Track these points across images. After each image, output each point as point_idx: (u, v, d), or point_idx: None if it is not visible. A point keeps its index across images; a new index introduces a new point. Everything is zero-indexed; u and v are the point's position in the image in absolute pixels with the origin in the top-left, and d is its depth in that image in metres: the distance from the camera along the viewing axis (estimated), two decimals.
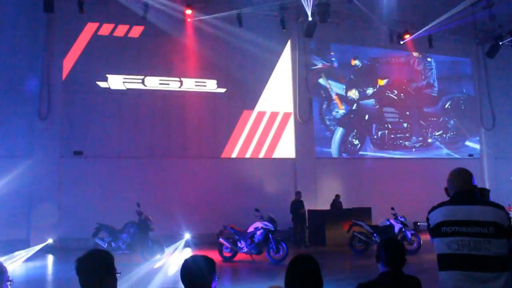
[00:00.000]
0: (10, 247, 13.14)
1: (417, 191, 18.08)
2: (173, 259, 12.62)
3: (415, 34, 19.71)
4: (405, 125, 20.67)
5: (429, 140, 21.05)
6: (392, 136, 20.37)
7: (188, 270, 2.79)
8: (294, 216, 15.75)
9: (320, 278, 2.94)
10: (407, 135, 20.68)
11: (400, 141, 20.47)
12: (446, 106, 21.64)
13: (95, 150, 16.30)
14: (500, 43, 20.33)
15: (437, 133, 21.24)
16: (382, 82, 20.59)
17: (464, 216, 3.09)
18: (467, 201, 3.18)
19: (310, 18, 17.25)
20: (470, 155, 21.54)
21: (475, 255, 2.99)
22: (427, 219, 3.30)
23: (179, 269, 2.81)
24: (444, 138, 21.36)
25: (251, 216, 12.65)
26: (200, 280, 2.76)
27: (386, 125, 20.34)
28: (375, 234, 13.60)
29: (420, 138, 20.89)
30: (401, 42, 20.10)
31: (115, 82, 16.93)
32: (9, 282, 2.91)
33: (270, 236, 12.15)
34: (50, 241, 14.26)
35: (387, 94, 20.61)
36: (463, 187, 3.25)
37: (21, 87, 15.85)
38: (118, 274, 2.76)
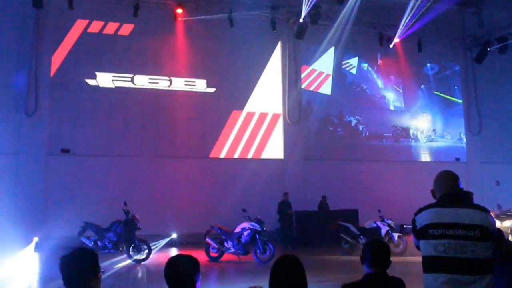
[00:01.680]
0: None
1: (403, 194, 18.17)
2: (159, 258, 12.58)
3: (403, 36, 19.78)
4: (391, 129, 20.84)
5: (415, 143, 21.24)
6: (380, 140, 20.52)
7: (172, 269, 2.80)
8: (282, 217, 15.76)
9: (304, 279, 2.94)
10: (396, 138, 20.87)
11: (388, 144, 20.63)
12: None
13: (83, 148, 16.17)
14: (488, 49, 20.56)
15: (423, 136, 21.44)
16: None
17: (451, 218, 3.09)
18: (454, 203, 3.18)
19: (301, 20, 17.29)
20: (457, 158, 21.74)
21: (460, 258, 3.00)
22: (413, 221, 3.28)
23: (163, 268, 2.82)
24: (431, 141, 21.56)
25: (238, 216, 12.65)
26: (184, 279, 2.77)
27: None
28: (361, 236, 13.67)
29: (407, 141, 21.07)
30: (390, 46, 20.21)
31: (104, 80, 16.83)
32: None
33: (257, 237, 12.16)
34: (36, 239, 14.10)
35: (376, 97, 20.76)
36: (450, 189, 3.25)
37: (8, 83, 15.65)
38: (102, 273, 2.77)
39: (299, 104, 19.11)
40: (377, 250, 3.27)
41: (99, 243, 12.37)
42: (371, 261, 3.23)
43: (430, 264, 3.11)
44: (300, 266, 2.97)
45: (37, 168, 15.53)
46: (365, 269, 3.31)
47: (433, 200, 3.37)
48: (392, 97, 21.25)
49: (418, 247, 3.30)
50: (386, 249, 3.36)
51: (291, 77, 19.02)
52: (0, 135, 15.14)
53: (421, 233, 3.18)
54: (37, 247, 13.95)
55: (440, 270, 3.05)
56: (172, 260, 2.85)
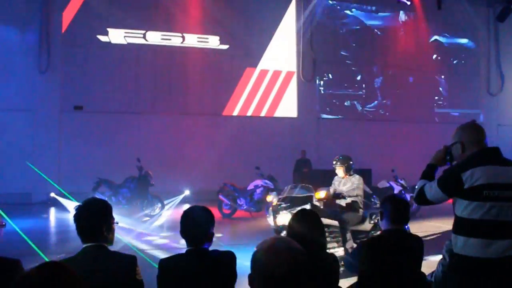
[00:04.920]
0: (12, 200, 13.25)
1: (417, 154, 17.91)
2: (172, 213, 12.72)
3: None
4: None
5: (431, 103, 20.87)
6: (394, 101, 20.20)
7: (189, 219, 2.83)
8: (297, 175, 15.78)
9: (323, 230, 2.92)
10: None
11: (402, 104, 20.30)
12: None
13: (96, 105, 16.15)
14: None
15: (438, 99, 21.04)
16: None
17: (507, 178, 2.82)
18: (502, 161, 2.90)
19: None
20: (473, 120, 21.29)
21: (509, 221, 2.77)
22: (456, 176, 2.88)
23: (178, 222, 2.86)
24: (446, 101, 21.16)
25: (251, 174, 12.64)
26: (199, 228, 2.81)
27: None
28: (374, 196, 13.60)
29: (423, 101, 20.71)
30: (408, 2, 19.59)
31: (116, 36, 16.63)
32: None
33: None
34: (52, 195, 14.27)
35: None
36: (484, 143, 3.01)
37: (20, 41, 15.56)
38: (116, 224, 2.80)
39: (313, 61, 18.76)
40: (397, 206, 3.20)
41: (113, 198, 12.49)
42: (391, 216, 3.16)
43: (478, 228, 2.79)
44: (318, 218, 2.93)
45: (51, 124, 15.61)
46: (384, 224, 3.24)
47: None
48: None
49: (431, 201, 2.98)
50: (405, 204, 3.29)
51: (306, 33, 18.60)
52: (14, 93, 15.19)
53: (470, 193, 2.82)
54: (53, 202, 14.15)
55: (490, 236, 2.77)
56: (188, 210, 2.89)
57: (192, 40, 17.49)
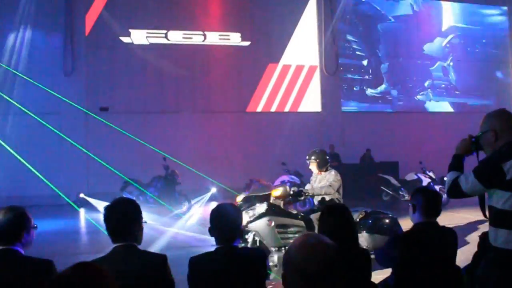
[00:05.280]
0: (41, 202, 13.52)
1: (444, 145, 17.57)
2: (199, 211, 12.77)
3: None
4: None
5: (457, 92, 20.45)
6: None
7: (219, 217, 2.84)
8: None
9: (354, 225, 2.88)
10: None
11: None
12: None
13: (121, 105, 16.35)
14: None
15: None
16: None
17: None
18: None
19: None
20: (503, 108, 20.70)
21: None
22: (497, 166, 2.72)
23: (206, 219, 2.91)
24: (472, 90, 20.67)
25: (278, 169, 12.60)
26: (229, 226, 2.82)
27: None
28: (402, 189, 13.45)
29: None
30: None
31: (138, 37, 16.78)
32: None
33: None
34: (81, 195, 14.49)
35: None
36: None
37: (46, 45, 15.87)
38: (144, 223, 2.81)
39: (336, 54, 18.58)
40: (430, 198, 3.11)
41: (140, 198, 12.64)
42: (424, 210, 3.07)
43: None
44: (349, 213, 2.89)
45: (78, 126, 15.87)
46: (416, 217, 3.15)
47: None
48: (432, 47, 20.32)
49: (466, 194, 2.82)
50: (438, 197, 3.20)
51: (327, 27, 18.43)
52: (41, 96, 15.45)
53: None
54: (82, 203, 14.35)
55: None
56: (218, 208, 2.91)
57: (213, 37, 17.52)
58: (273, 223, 5.72)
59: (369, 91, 19.24)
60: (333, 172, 6.54)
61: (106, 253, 2.71)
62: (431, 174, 13.36)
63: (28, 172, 14.59)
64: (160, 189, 12.65)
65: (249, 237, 5.88)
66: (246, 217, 5.54)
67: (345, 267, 1.60)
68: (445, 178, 3.00)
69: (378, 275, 3.83)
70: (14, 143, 14.55)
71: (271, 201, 6.10)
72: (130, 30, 16.64)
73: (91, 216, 12.47)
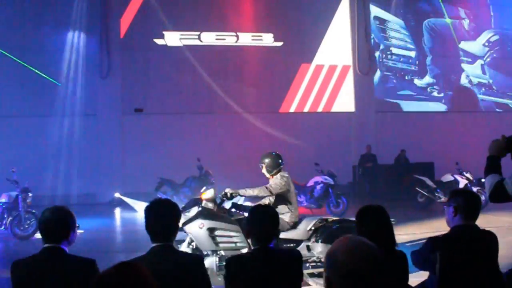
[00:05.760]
0: (78, 201, 13.90)
1: (482, 146, 17.09)
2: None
3: None
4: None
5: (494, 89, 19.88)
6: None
7: (257, 218, 2.87)
8: (360, 170, 15.67)
9: (391, 226, 2.85)
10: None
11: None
12: None
13: (155, 106, 16.60)
14: None
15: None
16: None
17: None
18: None
19: None
20: None
21: None
22: None
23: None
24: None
25: (311, 170, 12.54)
26: (266, 227, 2.84)
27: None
28: (438, 190, 13.18)
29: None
30: None
31: (172, 38, 16.98)
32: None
33: (330, 191, 12.06)
34: (117, 195, 14.79)
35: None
36: None
37: (82, 48, 16.24)
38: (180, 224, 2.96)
39: (369, 54, 18.36)
40: (471, 200, 3.04)
41: (174, 198, 12.76)
42: (465, 212, 2.99)
43: None
44: (386, 214, 2.87)
45: (114, 127, 16.20)
46: (456, 220, 3.07)
47: None
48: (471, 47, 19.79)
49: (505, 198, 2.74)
50: (479, 199, 3.14)
51: (360, 26, 18.23)
52: (79, 98, 15.95)
53: None
54: (118, 202, 14.64)
55: None
56: (254, 209, 2.98)
57: (246, 38, 17.58)
58: (204, 226, 5.63)
59: (416, 81, 19.01)
60: (279, 176, 6.07)
61: (143, 253, 2.76)
62: (468, 175, 12.99)
63: (67, 171, 15.15)
64: (194, 189, 12.76)
65: (186, 239, 5.80)
66: (183, 219, 5.32)
67: (386, 269, 1.60)
68: (482, 180, 2.91)
69: (414, 278, 3.77)
70: (56, 144, 15.12)
71: (203, 204, 5.89)
72: (164, 32, 16.86)
73: (127, 215, 12.73)
